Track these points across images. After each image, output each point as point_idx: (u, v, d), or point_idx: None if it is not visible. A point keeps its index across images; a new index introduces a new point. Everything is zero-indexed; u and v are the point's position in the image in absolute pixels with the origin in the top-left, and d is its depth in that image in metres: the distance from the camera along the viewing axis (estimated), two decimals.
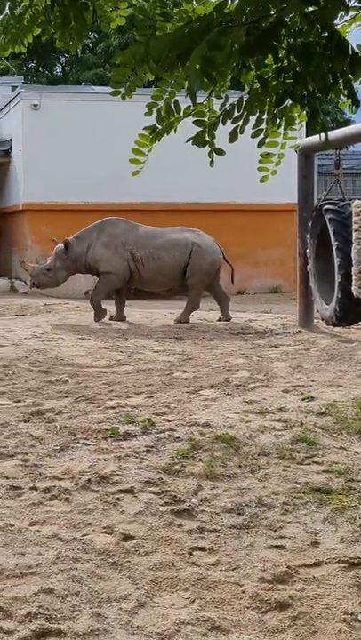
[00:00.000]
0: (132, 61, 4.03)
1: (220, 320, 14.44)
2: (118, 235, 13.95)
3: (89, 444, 6.43)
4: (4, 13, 4.67)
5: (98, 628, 3.77)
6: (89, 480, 5.63)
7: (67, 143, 22.50)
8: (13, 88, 25.09)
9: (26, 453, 6.20)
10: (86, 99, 23.20)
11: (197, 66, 3.14)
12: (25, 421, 7.02)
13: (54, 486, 5.53)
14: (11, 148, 23.93)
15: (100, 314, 13.91)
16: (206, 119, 4.44)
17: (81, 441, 6.49)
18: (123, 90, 4.43)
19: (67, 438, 6.57)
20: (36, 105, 22.50)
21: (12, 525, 4.90)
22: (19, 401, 7.68)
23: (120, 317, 14.11)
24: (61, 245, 13.93)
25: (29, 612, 3.88)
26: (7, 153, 24.05)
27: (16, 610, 3.92)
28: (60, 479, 5.69)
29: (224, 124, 4.14)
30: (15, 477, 5.73)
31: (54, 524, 4.97)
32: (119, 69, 4.24)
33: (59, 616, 3.87)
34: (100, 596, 4.09)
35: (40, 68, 42.47)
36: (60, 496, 5.39)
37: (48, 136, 22.40)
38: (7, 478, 5.70)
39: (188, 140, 4.40)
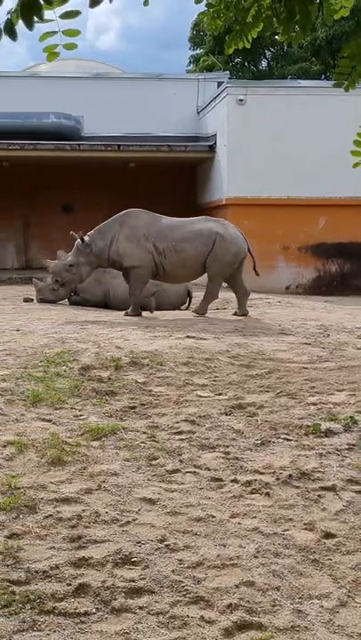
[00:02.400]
0: (359, 53, 3.99)
1: (235, 314, 13.91)
2: (140, 227, 13.39)
3: (290, 440, 6.42)
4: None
5: (299, 625, 3.76)
6: (290, 475, 5.62)
7: (271, 138, 22.55)
8: (219, 84, 25.39)
9: (227, 446, 6.27)
10: (292, 93, 23.12)
11: None
12: (226, 414, 7.10)
13: (255, 480, 5.57)
14: (215, 143, 24.23)
15: (134, 311, 13.47)
16: None
17: (282, 436, 6.49)
18: (346, 82, 4.39)
19: (268, 433, 6.59)
20: (241, 100, 22.67)
21: (213, 517, 4.97)
22: (220, 394, 7.78)
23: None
24: (83, 239, 13.33)
25: (230, 604, 3.93)
26: (212, 148, 24.38)
27: (217, 600, 3.98)
28: (261, 473, 5.72)
29: None
30: (217, 469, 5.81)
31: (255, 517, 5.00)
32: (345, 61, 4.20)
33: (259, 609, 3.90)
34: (300, 593, 4.07)
35: (245, 63, 42.76)
36: (260, 490, 5.42)
37: (253, 131, 22.53)
38: (209, 470, 5.79)
39: None
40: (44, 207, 26.53)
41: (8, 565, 4.29)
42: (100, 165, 25.76)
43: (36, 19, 3.71)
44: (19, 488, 5.27)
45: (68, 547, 4.53)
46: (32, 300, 16.33)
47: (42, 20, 3.74)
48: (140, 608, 3.92)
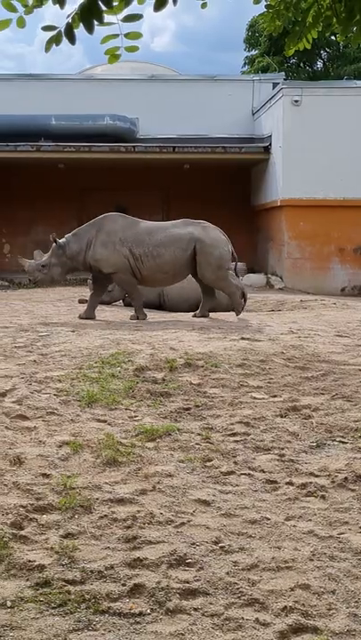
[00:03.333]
0: None
1: (195, 316, 13.59)
2: (117, 231, 13.12)
3: (345, 442, 6.37)
4: None
5: (355, 629, 3.72)
6: (345, 478, 5.58)
7: (327, 139, 22.43)
8: (275, 85, 25.32)
9: (282, 448, 6.25)
10: (348, 93, 22.95)
11: None
12: (281, 416, 7.07)
13: (310, 482, 5.53)
14: (271, 144, 24.16)
15: (140, 314, 13.20)
16: None
17: (337, 439, 6.44)
18: None
19: (323, 435, 6.55)
20: (296, 101, 22.57)
21: (268, 519, 4.95)
22: (275, 396, 7.74)
23: (89, 315, 13.22)
24: (57, 241, 13.28)
25: (285, 607, 3.90)
26: (267, 149, 24.32)
27: (272, 603, 3.96)
28: (317, 476, 5.68)
29: None
30: (271, 472, 5.79)
31: (310, 520, 4.97)
32: None
33: (315, 613, 3.87)
34: (356, 597, 4.03)
35: (301, 64, 42.56)
36: (316, 493, 5.39)
37: (308, 132, 22.42)
38: (264, 472, 5.77)
39: None
40: (98, 208, 26.60)
41: (63, 565, 4.32)
42: (155, 167, 25.85)
43: (96, 22, 3.73)
44: (74, 488, 5.31)
45: (123, 547, 4.55)
46: (87, 301, 16.45)
47: (102, 23, 3.75)
48: (195, 609, 3.92)
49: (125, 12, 3.81)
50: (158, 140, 25.29)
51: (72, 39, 3.85)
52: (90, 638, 3.70)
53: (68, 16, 3.81)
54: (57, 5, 3.82)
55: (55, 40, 3.92)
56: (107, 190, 26.67)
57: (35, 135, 24.63)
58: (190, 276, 13.56)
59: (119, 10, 3.76)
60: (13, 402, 7.09)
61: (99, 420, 6.78)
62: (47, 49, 3.98)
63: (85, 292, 16.83)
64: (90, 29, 3.74)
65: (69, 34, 3.83)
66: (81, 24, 3.74)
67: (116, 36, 3.94)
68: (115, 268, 13.00)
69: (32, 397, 7.23)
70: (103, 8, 3.68)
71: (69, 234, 13.56)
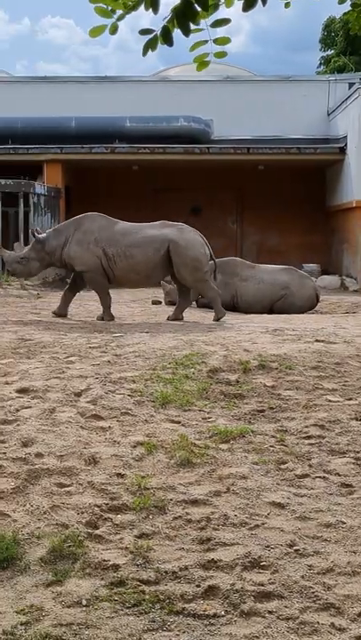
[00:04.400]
0: None
1: (168, 318, 13.32)
2: (93, 231, 13.12)
3: None
4: None
5: None
6: None
7: None
8: (351, 85, 25.07)
9: (358, 452, 6.17)
10: None
11: None
12: (357, 419, 6.99)
13: None
14: (346, 144, 23.93)
15: (108, 316, 13.08)
16: None
17: None
18: None
19: None
20: None
21: (343, 523, 4.90)
22: (350, 399, 7.65)
23: (61, 313, 13.35)
24: (37, 236, 13.38)
25: None
26: (342, 150, 24.09)
27: (348, 608, 3.92)
28: None
29: None
30: (347, 475, 5.72)
31: None
32: None
33: None
34: None
35: None
36: None
37: None
38: (339, 475, 5.71)
39: None
40: (172, 209, 26.80)
41: (138, 565, 4.34)
42: (229, 168, 25.83)
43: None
44: (148, 488, 5.33)
45: (197, 548, 4.55)
46: (160, 302, 16.52)
47: (197, 25, 3.76)
48: (270, 612, 3.90)
49: (213, 17, 3.81)
50: (233, 141, 25.28)
51: (169, 42, 3.86)
52: (164, 639, 3.71)
53: (164, 19, 3.82)
54: (150, 10, 3.84)
55: (151, 44, 3.94)
56: (180, 191, 26.76)
57: (109, 137, 24.85)
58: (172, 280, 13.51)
59: (207, 15, 3.76)
60: (88, 402, 7.15)
61: (172, 421, 6.80)
62: (144, 53, 4.00)
63: (159, 294, 16.90)
64: (186, 32, 3.75)
65: (166, 37, 3.85)
66: (177, 27, 3.76)
67: (205, 42, 3.93)
68: (86, 267, 13.07)
69: (106, 397, 7.28)
70: (198, 10, 3.68)
71: (50, 229, 13.79)
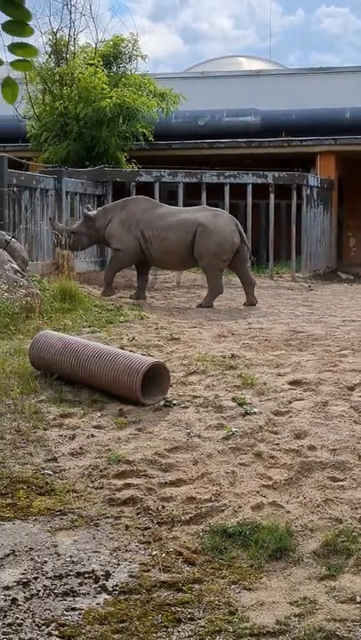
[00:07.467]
0: None
1: (245, 305, 13.56)
2: (135, 213, 13.72)
3: None
4: None
5: None
6: None
7: None
8: None
9: None
10: None
11: None
12: None
13: None
14: None
15: (108, 291, 13.88)
16: None
17: None
18: None
19: None
20: None
21: None
22: None
23: (139, 296, 13.94)
24: (87, 213, 14.16)
25: None
26: None
27: None
28: None
29: None
30: None
31: None
32: None
33: None
34: None
35: None
36: None
37: None
38: None
39: None
40: None
41: None
42: None
43: None
44: None
45: None
46: None
47: None
48: None
49: None
50: None
51: None
52: None
53: None
54: None
55: None
56: None
57: (329, 128, 24.24)
58: None
59: None
60: None
61: None
62: None
63: None
64: None
65: None
66: None
67: None
68: (122, 246, 13.75)
69: None
70: None
71: (100, 208, 14.82)
